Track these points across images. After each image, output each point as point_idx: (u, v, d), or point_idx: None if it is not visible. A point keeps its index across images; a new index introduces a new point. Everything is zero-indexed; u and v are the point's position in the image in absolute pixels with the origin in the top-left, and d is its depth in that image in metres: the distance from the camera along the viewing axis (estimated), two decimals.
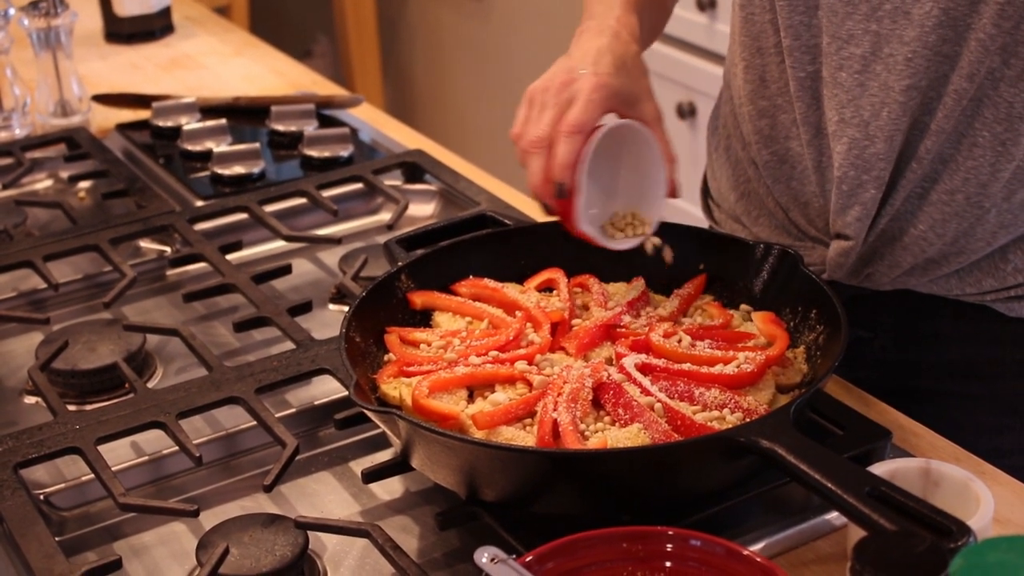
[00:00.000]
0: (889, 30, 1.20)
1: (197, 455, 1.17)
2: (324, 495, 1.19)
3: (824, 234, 1.33)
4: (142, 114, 1.94)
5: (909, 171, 1.23)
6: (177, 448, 1.20)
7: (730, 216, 1.45)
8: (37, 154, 1.83)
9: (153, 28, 2.28)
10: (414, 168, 1.72)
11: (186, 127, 1.84)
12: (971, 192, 1.22)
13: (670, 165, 1.24)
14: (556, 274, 1.28)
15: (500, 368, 1.15)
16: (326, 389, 1.29)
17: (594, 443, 1.06)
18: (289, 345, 1.34)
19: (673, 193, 1.25)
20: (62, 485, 1.19)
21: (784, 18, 1.26)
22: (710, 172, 1.51)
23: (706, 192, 1.53)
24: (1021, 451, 1.18)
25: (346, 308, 1.41)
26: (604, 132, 1.19)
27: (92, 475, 1.16)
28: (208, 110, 1.92)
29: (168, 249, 1.60)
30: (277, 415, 1.23)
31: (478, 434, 1.08)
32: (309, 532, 1.09)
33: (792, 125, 1.31)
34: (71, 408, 1.28)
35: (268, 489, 1.13)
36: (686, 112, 2.88)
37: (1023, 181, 1.23)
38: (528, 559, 0.92)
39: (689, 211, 2.86)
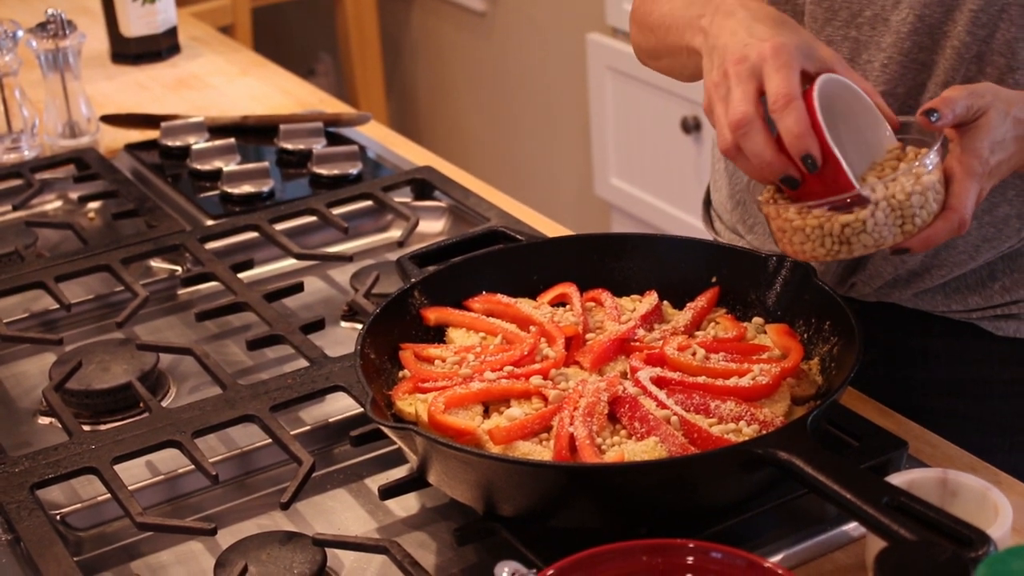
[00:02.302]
0: (868, 36, 1.20)
1: (213, 473, 1.17)
2: (341, 512, 1.19)
3: None
4: (150, 134, 1.94)
5: None
6: (193, 467, 1.20)
7: (728, 227, 1.45)
8: (46, 175, 1.84)
9: (159, 48, 2.29)
10: (423, 185, 1.73)
11: (195, 147, 1.84)
12: None
13: (876, 97, 1.13)
14: (569, 289, 1.28)
15: (515, 383, 1.15)
16: (340, 406, 1.30)
17: (611, 457, 1.06)
18: (303, 363, 1.34)
19: (894, 125, 1.13)
20: (79, 505, 1.19)
21: None
22: (712, 184, 1.51)
23: (708, 205, 1.53)
24: (1012, 472, 1.18)
25: (358, 325, 1.41)
26: (821, 83, 1.08)
27: (109, 495, 1.16)
28: (216, 129, 1.93)
29: (179, 268, 1.60)
30: (292, 433, 1.23)
31: (495, 449, 1.08)
32: (327, 549, 1.09)
33: None
34: (86, 428, 1.28)
35: (285, 507, 1.14)
36: (691, 127, 2.89)
37: (1005, 195, 1.22)
38: (548, 573, 0.92)
39: (695, 224, 2.87)
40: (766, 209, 1.13)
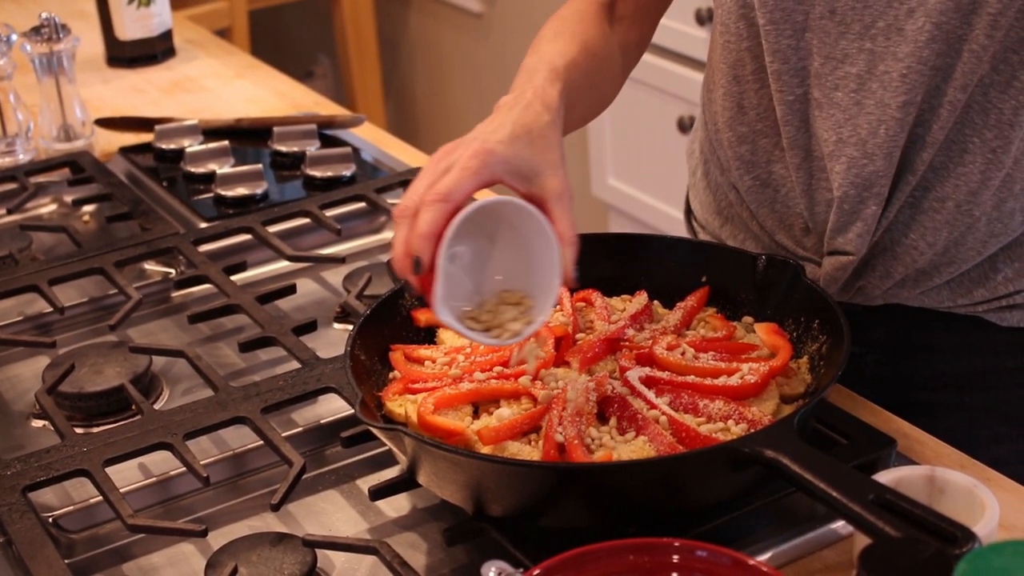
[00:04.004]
0: (883, 47, 1.20)
1: (204, 475, 1.17)
2: (331, 513, 1.19)
3: (814, 252, 1.32)
4: (145, 137, 1.95)
5: (904, 183, 1.23)
6: (184, 469, 1.20)
7: (715, 239, 1.45)
8: (41, 179, 1.84)
9: (155, 51, 2.29)
10: None
11: (189, 149, 1.85)
12: (961, 200, 1.22)
13: (567, 250, 1.08)
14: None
15: (505, 383, 1.15)
16: (332, 408, 1.30)
17: (599, 456, 1.06)
18: (294, 364, 1.35)
19: (568, 283, 1.09)
20: (70, 507, 1.20)
21: (771, 43, 1.25)
22: (693, 196, 1.50)
23: (689, 213, 1.53)
24: (1019, 460, 1.18)
25: (351, 327, 1.41)
26: (474, 207, 1.05)
27: (100, 497, 1.17)
28: (210, 132, 1.93)
29: (172, 271, 1.60)
30: (283, 434, 1.23)
31: (484, 449, 1.08)
32: (317, 550, 1.09)
33: (775, 149, 1.31)
34: (78, 431, 1.28)
35: (276, 508, 1.14)
36: (687, 126, 2.89)
37: (1012, 190, 1.23)
38: (535, 573, 0.93)
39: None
40: None
